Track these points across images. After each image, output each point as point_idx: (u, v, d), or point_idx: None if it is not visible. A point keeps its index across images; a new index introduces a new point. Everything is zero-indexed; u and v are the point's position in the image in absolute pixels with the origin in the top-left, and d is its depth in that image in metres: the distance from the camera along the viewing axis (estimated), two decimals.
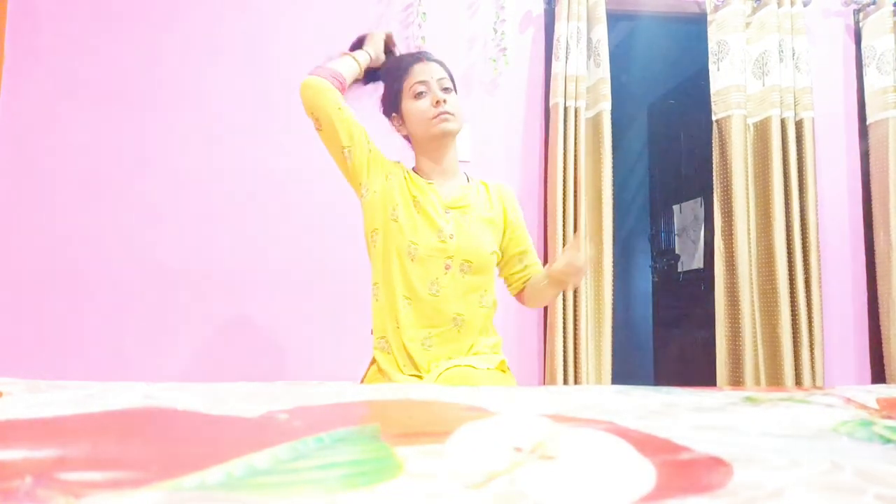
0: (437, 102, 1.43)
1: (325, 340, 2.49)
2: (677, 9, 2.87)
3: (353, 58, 1.50)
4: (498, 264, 1.55)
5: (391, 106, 1.52)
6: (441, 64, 1.50)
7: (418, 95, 1.45)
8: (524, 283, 1.58)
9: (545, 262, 2.64)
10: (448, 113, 1.43)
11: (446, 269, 1.41)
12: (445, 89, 1.46)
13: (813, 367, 2.60)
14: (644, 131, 4.24)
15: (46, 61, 2.55)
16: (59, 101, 2.54)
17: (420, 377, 1.41)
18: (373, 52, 1.55)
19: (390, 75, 1.52)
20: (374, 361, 1.50)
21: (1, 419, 0.65)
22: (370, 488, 0.45)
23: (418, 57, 1.50)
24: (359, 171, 1.46)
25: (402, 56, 1.56)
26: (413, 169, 1.54)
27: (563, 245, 2.56)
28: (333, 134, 1.42)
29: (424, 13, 2.64)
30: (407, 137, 1.54)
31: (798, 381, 2.58)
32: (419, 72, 1.46)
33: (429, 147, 1.49)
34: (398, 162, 1.54)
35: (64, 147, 2.52)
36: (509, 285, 1.61)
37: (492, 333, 1.54)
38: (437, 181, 1.50)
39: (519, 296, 1.62)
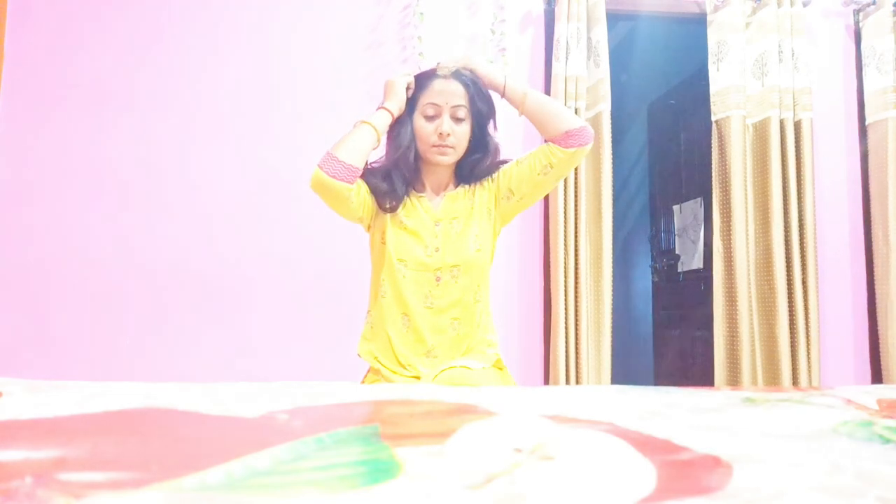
0: (441, 135, 1.39)
1: (325, 341, 2.49)
2: (677, 9, 2.87)
3: (372, 126, 1.40)
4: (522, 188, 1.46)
5: (407, 108, 1.46)
6: (468, 84, 1.41)
7: (428, 117, 1.41)
8: (546, 154, 1.45)
9: (545, 273, 2.64)
10: (447, 147, 1.41)
11: (437, 280, 1.43)
12: (457, 119, 1.41)
13: (809, 368, 2.60)
14: (644, 131, 4.23)
15: (46, 61, 2.55)
16: (59, 101, 2.54)
17: (417, 378, 1.42)
18: (395, 109, 1.43)
19: (416, 81, 1.46)
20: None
21: (1, 419, 0.64)
22: (370, 488, 0.45)
23: (443, 73, 1.42)
24: (367, 221, 1.47)
25: (432, 68, 1.47)
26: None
27: (565, 246, 2.56)
28: (348, 215, 1.43)
29: (422, 13, 2.64)
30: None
31: (795, 381, 2.58)
32: (437, 91, 1.41)
33: (426, 160, 1.46)
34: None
35: (64, 147, 2.52)
36: (551, 153, 1.45)
37: (489, 329, 1.52)
38: (430, 191, 1.49)
39: (556, 140, 1.46)
